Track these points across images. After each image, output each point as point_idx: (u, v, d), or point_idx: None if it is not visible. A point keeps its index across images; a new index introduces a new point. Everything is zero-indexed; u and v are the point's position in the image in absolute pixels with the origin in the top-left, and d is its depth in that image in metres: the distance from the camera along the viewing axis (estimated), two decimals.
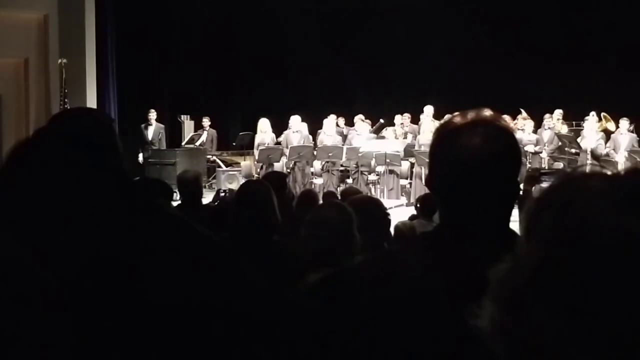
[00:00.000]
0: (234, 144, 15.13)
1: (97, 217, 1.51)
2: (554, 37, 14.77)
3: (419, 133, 12.99)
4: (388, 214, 4.30)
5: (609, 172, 0.59)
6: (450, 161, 1.36)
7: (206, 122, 14.26)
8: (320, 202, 5.62)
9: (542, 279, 0.56)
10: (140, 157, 12.92)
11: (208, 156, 13.95)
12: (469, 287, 1.23)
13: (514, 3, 14.90)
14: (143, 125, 13.14)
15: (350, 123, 14.24)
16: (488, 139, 1.33)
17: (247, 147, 14.30)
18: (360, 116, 13.70)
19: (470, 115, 1.38)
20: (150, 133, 13.04)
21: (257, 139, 12.82)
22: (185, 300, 1.47)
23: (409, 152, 12.39)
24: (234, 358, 1.52)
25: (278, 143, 12.92)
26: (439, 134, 1.41)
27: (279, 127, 13.32)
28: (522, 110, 13.11)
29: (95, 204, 1.54)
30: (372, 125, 13.88)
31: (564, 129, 13.03)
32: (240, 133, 15.14)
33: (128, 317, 1.45)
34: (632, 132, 12.11)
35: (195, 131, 14.72)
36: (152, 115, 13.15)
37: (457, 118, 1.39)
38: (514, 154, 1.39)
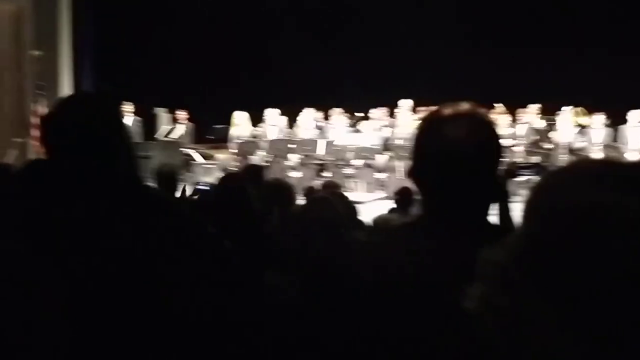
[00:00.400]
0: (210, 137, 15.06)
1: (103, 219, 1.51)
2: (530, 31, 14.86)
3: (396, 126, 13.02)
4: (354, 206, 4.32)
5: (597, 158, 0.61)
6: (434, 152, 1.38)
7: (182, 115, 14.16)
8: (300, 195, 5.62)
9: (529, 256, 0.57)
10: None
11: (184, 149, 13.86)
12: (451, 275, 1.24)
13: None
14: None
15: (327, 117, 14.23)
16: (472, 130, 1.36)
17: (223, 140, 14.24)
18: (339, 110, 13.70)
19: (455, 107, 1.39)
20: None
21: (234, 132, 12.77)
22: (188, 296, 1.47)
23: (386, 145, 12.42)
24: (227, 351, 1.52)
25: (255, 136, 12.89)
26: (424, 125, 1.43)
27: (256, 120, 13.29)
28: (498, 104, 13.20)
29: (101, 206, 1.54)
30: (350, 119, 13.89)
31: (540, 124, 13.15)
32: (217, 126, 15.06)
33: (136, 316, 1.45)
34: (606, 126, 12.26)
35: (171, 124, 14.61)
36: (128, 108, 13.02)
37: (442, 110, 1.40)
38: (497, 146, 1.41)
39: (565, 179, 0.58)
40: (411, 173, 1.45)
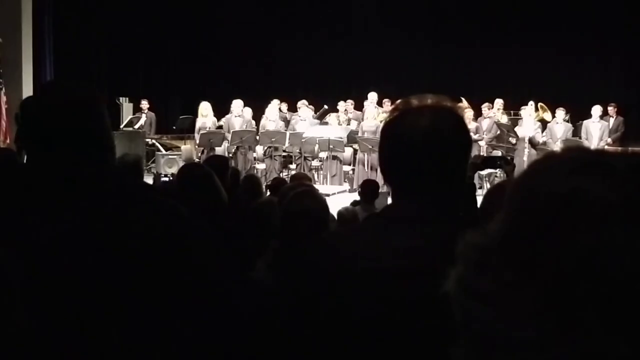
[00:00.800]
0: (174, 127, 14.91)
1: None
2: (494, 28, 15.01)
3: (362, 119, 13.04)
4: (324, 199, 4.31)
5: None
6: (399, 142, 1.39)
7: (145, 104, 13.98)
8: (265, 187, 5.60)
9: (510, 240, 0.58)
10: None
11: (147, 140, 13.70)
12: (421, 263, 1.25)
13: None
14: None
15: (293, 108, 14.19)
16: (436, 120, 1.36)
17: (187, 130, 14.11)
18: (304, 101, 13.67)
19: (422, 99, 1.40)
20: None
21: (198, 123, 12.66)
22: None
23: (352, 138, 12.44)
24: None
25: (219, 127, 12.79)
26: (392, 116, 1.43)
27: (221, 111, 13.19)
28: (463, 99, 13.31)
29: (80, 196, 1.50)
30: (316, 111, 13.87)
31: (503, 119, 13.29)
32: (181, 117, 14.92)
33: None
34: (567, 121, 12.45)
35: (134, 114, 14.42)
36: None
37: (409, 101, 1.41)
38: (462, 136, 1.42)
39: (548, 166, 0.60)
40: (380, 164, 1.46)
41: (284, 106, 14.50)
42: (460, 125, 1.41)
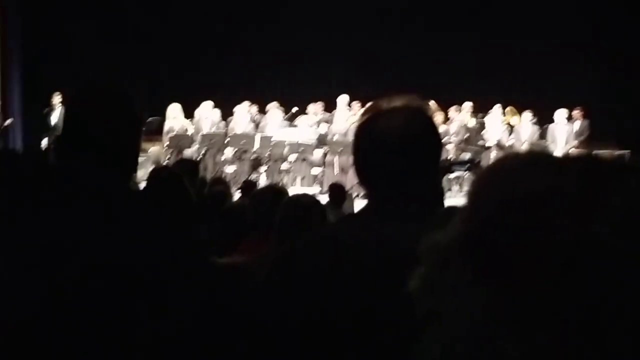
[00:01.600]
0: (144, 128, 14.76)
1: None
2: (463, 31, 15.13)
3: (332, 122, 13.06)
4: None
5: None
6: (372, 143, 1.40)
7: (57, 98, 13.62)
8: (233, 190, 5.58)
9: (470, 239, 0.61)
10: (44, 142, 12.37)
11: None
12: (392, 264, 1.25)
13: None
14: (46, 110, 12.55)
15: (263, 111, 14.15)
16: (408, 121, 1.39)
17: (155, 132, 13.98)
18: (275, 103, 13.65)
19: (392, 100, 1.43)
20: (54, 118, 12.38)
21: (167, 125, 12.55)
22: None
23: (322, 140, 12.45)
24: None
25: (187, 129, 12.72)
26: (364, 118, 1.45)
27: (190, 113, 13.11)
28: (432, 102, 13.39)
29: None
30: (286, 113, 13.86)
31: (472, 122, 13.42)
32: (149, 118, 14.78)
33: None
34: (534, 124, 12.61)
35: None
36: (57, 98, 12.59)
37: (381, 103, 1.43)
38: (432, 137, 1.44)
39: (506, 167, 0.62)
40: (354, 166, 1.47)
41: (254, 108, 14.44)
42: (430, 125, 1.44)
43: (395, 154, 1.36)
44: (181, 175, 3.15)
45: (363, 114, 1.47)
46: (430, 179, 1.42)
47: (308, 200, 2.96)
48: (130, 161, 1.60)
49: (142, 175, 11.64)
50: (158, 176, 3.12)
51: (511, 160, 0.63)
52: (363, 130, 1.43)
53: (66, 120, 1.59)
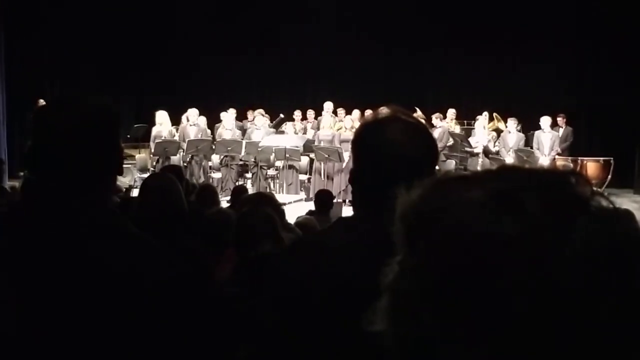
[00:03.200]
0: (128, 136, 14.72)
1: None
2: (447, 38, 15.22)
3: (318, 128, 13.08)
4: (281, 208, 4.31)
5: (473, 172, 0.66)
6: (377, 154, 1.44)
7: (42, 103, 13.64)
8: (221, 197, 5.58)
9: (427, 285, 0.61)
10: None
11: None
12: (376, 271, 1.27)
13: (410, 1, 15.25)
14: (31, 116, 12.50)
15: (250, 118, 14.16)
16: (412, 134, 1.44)
17: (142, 139, 13.95)
18: (260, 110, 13.66)
19: (390, 111, 1.47)
20: None
21: (154, 132, 12.52)
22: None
23: (308, 147, 12.45)
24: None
25: (174, 136, 12.69)
26: (363, 129, 1.49)
27: (176, 119, 13.09)
28: (417, 109, 13.45)
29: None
30: (272, 120, 13.87)
31: (456, 128, 13.49)
32: (135, 125, 14.75)
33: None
34: (519, 131, 12.69)
35: None
36: (42, 104, 12.54)
37: (379, 114, 1.48)
38: (435, 149, 1.51)
39: (458, 205, 0.62)
40: (352, 176, 1.50)
41: (240, 115, 14.44)
42: (430, 137, 1.50)
43: (400, 164, 1.39)
44: (174, 185, 3.12)
45: (362, 124, 1.51)
46: None
47: (260, 216, 2.98)
48: (101, 175, 1.53)
49: (129, 181, 11.67)
50: (152, 184, 3.08)
51: (452, 197, 0.64)
52: (366, 138, 1.47)
53: (33, 136, 1.53)
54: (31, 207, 1.49)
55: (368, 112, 1.60)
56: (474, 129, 13.25)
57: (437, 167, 1.54)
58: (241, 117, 14.37)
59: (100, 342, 1.38)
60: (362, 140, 1.47)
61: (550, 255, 0.56)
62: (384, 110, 1.48)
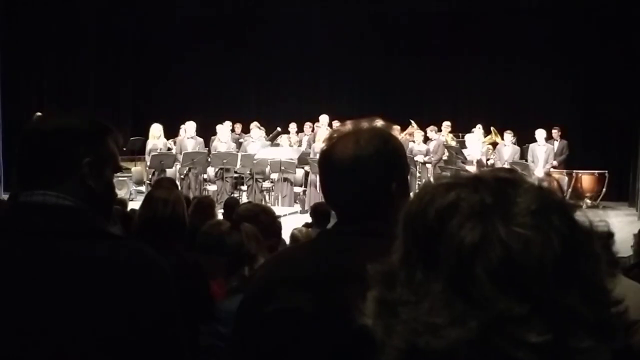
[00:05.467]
0: (124, 149, 14.72)
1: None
2: (444, 50, 15.28)
3: (314, 141, 13.10)
4: (277, 220, 4.31)
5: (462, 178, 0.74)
6: (328, 168, 1.49)
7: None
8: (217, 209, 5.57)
9: (409, 253, 0.70)
10: None
11: None
12: (346, 277, 1.28)
13: (405, 13, 15.29)
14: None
15: (246, 130, 14.18)
16: (357, 144, 1.44)
17: (138, 152, 13.95)
18: (256, 123, 13.69)
19: (355, 124, 1.49)
20: None
21: (149, 145, 12.53)
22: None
23: (303, 159, 12.46)
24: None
25: (170, 149, 12.70)
26: (326, 142, 1.52)
27: (172, 133, 13.11)
28: (412, 122, 13.49)
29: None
30: (268, 134, 13.88)
31: (453, 141, 13.51)
32: (132, 138, 14.75)
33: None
34: (514, 144, 12.73)
35: None
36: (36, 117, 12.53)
37: (342, 127, 1.52)
38: (385, 158, 1.46)
39: (426, 192, 0.72)
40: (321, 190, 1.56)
41: (237, 127, 14.45)
42: (382, 147, 1.46)
43: (347, 177, 1.43)
44: (180, 198, 3.12)
45: (327, 136, 1.54)
46: (390, 199, 1.43)
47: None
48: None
49: (125, 193, 11.65)
50: (157, 196, 3.05)
51: (428, 187, 0.74)
52: (323, 155, 1.50)
53: (19, 149, 1.56)
54: (16, 218, 1.51)
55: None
56: (468, 140, 13.26)
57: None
58: (240, 130, 14.40)
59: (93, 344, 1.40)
60: (322, 156, 1.50)
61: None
62: (348, 125, 1.50)
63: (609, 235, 0.66)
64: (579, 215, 0.70)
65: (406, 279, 0.69)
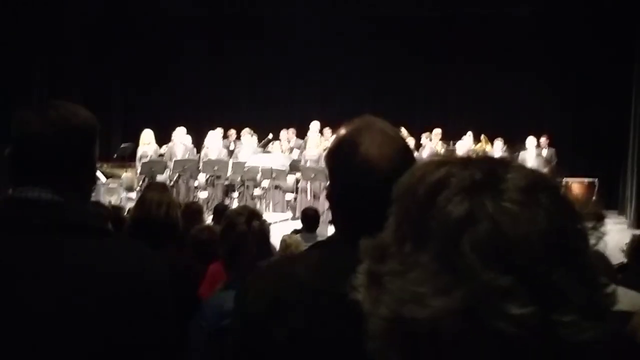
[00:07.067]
0: (115, 155, 14.67)
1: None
2: (434, 57, 15.34)
3: (305, 148, 13.10)
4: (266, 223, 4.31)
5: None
6: (350, 169, 1.37)
7: None
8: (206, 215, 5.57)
9: (401, 225, 0.72)
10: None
11: None
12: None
13: (399, 20, 15.34)
14: None
15: (236, 137, 14.18)
16: (386, 147, 1.36)
17: (128, 158, 13.91)
18: (248, 129, 13.67)
19: (362, 123, 1.41)
20: None
21: (140, 151, 12.50)
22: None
23: (294, 166, 12.47)
24: None
25: (161, 155, 12.67)
26: (338, 141, 1.43)
27: (163, 138, 13.08)
28: (402, 128, 13.50)
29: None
30: (259, 140, 13.87)
31: (442, 148, 13.54)
32: (122, 144, 14.71)
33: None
34: (505, 151, 12.77)
35: None
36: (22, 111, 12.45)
37: (352, 128, 1.42)
38: (410, 161, 1.40)
39: (418, 169, 0.76)
40: (329, 192, 1.46)
41: (227, 134, 14.44)
42: (406, 149, 1.42)
43: (371, 179, 1.33)
44: (173, 200, 3.11)
45: (339, 138, 1.44)
46: None
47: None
48: (81, 182, 1.54)
49: (115, 200, 11.61)
50: (149, 199, 3.04)
51: (419, 165, 0.77)
52: (339, 154, 1.41)
53: (15, 142, 1.54)
54: (12, 215, 1.48)
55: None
56: (457, 148, 13.29)
57: None
58: (235, 136, 14.39)
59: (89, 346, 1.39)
60: (336, 154, 1.41)
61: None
62: (359, 121, 1.42)
63: (598, 217, 0.67)
64: (568, 196, 0.72)
65: (396, 252, 0.70)
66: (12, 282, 1.39)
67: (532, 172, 0.73)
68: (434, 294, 0.65)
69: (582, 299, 0.66)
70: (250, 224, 2.73)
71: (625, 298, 2.96)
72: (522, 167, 0.73)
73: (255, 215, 2.84)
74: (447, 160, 0.73)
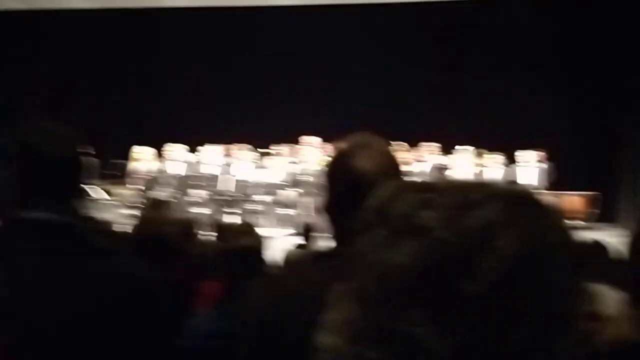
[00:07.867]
0: (105, 172, 14.54)
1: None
2: (429, 71, 15.33)
3: (301, 162, 13.07)
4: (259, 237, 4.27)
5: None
6: (344, 183, 1.46)
7: None
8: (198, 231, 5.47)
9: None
10: None
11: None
12: None
13: (390, 34, 15.36)
14: None
15: (232, 152, 14.12)
16: (379, 162, 1.46)
17: (122, 175, 13.82)
18: (245, 145, 13.66)
19: (358, 140, 1.52)
20: None
21: (132, 167, 12.45)
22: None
23: (292, 181, 12.43)
24: None
25: (157, 171, 12.61)
26: (333, 159, 1.53)
27: (156, 155, 13.03)
28: (398, 144, 13.46)
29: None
30: (255, 155, 13.82)
31: (440, 162, 13.52)
32: (115, 161, 14.60)
33: None
34: (506, 165, 12.77)
35: None
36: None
37: (347, 144, 1.52)
38: (400, 174, 1.56)
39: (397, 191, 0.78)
40: (323, 207, 1.55)
41: (223, 149, 14.38)
42: (396, 164, 1.54)
43: (364, 194, 1.39)
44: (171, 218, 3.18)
45: (336, 154, 1.54)
46: None
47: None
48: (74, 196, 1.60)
49: (112, 217, 11.49)
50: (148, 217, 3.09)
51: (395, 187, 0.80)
52: (336, 169, 1.50)
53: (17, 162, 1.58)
54: (23, 236, 1.52)
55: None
56: (456, 162, 13.27)
57: None
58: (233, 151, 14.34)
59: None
60: (332, 169, 1.50)
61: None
62: (355, 138, 1.51)
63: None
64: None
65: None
66: (27, 303, 1.45)
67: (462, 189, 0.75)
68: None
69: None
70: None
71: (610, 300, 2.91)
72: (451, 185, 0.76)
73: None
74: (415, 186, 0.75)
